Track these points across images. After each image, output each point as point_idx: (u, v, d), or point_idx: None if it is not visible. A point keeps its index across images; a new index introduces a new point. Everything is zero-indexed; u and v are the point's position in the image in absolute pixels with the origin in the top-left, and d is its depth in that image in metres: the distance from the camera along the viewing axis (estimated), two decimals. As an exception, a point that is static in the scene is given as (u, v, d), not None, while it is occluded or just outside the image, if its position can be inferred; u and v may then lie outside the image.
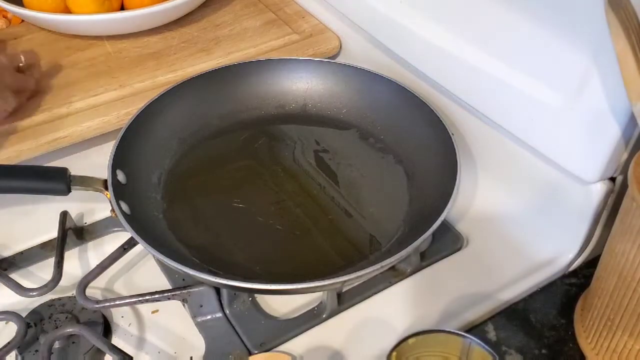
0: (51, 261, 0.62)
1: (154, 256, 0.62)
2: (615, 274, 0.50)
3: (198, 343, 0.58)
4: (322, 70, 0.77)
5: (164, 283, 0.63)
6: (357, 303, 0.60)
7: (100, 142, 0.75)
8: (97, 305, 0.58)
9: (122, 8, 0.89)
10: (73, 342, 0.58)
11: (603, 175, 0.57)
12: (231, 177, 0.70)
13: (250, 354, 0.56)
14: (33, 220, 0.68)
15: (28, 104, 0.75)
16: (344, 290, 0.61)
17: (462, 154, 0.65)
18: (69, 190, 0.61)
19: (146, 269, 0.65)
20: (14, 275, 0.63)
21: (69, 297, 0.61)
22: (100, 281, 0.63)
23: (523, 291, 0.61)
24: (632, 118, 0.52)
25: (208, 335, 0.58)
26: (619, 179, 0.58)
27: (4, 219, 0.68)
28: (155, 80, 0.80)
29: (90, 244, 0.68)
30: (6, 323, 0.60)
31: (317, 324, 0.59)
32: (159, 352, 0.58)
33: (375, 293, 0.61)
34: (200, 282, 0.58)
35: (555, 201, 0.63)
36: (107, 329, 0.60)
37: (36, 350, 0.57)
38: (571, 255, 0.63)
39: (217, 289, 0.59)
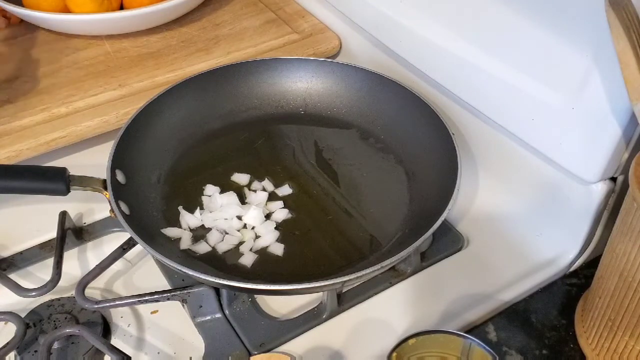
0: (50, 261, 0.62)
1: (153, 256, 0.62)
2: (616, 275, 0.50)
3: (198, 344, 0.58)
4: (322, 70, 0.77)
5: (163, 283, 0.63)
6: (357, 303, 0.60)
7: (99, 142, 0.75)
8: (96, 306, 0.58)
9: (121, 7, 0.89)
10: (72, 343, 0.57)
11: (604, 175, 0.57)
12: (230, 177, 0.70)
13: (250, 354, 0.56)
14: (32, 220, 0.68)
15: (27, 104, 0.75)
16: (344, 290, 0.61)
17: (462, 154, 0.65)
18: (68, 191, 0.61)
19: (145, 269, 0.65)
20: (13, 276, 0.63)
21: (68, 297, 0.61)
22: (100, 281, 0.63)
23: (524, 291, 0.61)
24: (633, 118, 0.52)
25: (208, 335, 0.58)
26: (620, 178, 0.58)
27: (3, 219, 0.68)
28: (154, 79, 0.80)
29: (89, 244, 0.68)
30: (5, 323, 0.60)
31: (317, 325, 0.59)
32: (158, 353, 0.58)
33: (376, 293, 0.61)
34: (200, 283, 0.57)
35: (556, 201, 0.63)
36: (106, 330, 0.60)
37: (35, 351, 0.57)
38: (572, 256, 0.63)
39: (217, 290, 0.59)
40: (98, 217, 0.69)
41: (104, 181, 0.61)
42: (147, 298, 0.58)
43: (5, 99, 0.76)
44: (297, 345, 0.57)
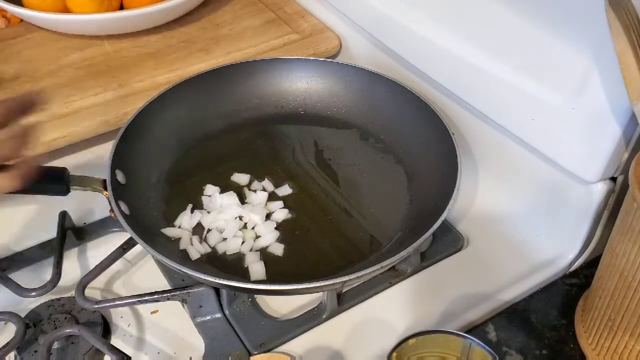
0: (50, 261, 0.62)
1: (153, 256, 0.62)
2: (616, 275, 0.50)
3: (197, 344, 0.58)
4: (322, 70, 0.77)
5: (163, 283, 0.63)
6: (357, 303, 0.60)
7: (99, 142, 0.75)
8: (96, 306, 0.58)
9: (121, 7, 0.89)
10: (72, 343, 0.57)
11: (604, 175, 0.57)
12: (230, 177, 0.70)
13: (250, 354, 0.56)
14: (32, 220, 0.68)
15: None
16: (344, 290, 0.61)
17: (462, 153, 0.64)
18: (68, 191, 0.61)
19: (145, 269, 0.65)
20: (13, 276, 0.63)
21: (68, 297, 0.61)
22: (100, 281, 0.63)
23: (524, 291, 0.61)
24: (633, 118, 0.52)
25: (208, 335, 0.58)
26: (620, 178, 0.58)
27: (3, 219, 0.68)
28: (154, 79, 0.80)
29: (89, 244, 0.68)
30: (5, 323, 0.60)
31: (317, 325, 0.59)
32: (158, 353, 0.58)
33: (376, 293, 0.61)
34: (200, 283, 0.57)
35: (556, 201, 0.63)
36: (106, 330, 0.60)
37: (35, 351, 0.56)
38: (572, 256, 0.63)
39: (217, 290, 0.59)
40: (98, 217, 0.69)
41: (104, 181, 0.61)
42: (147, 298, 0.58)
43: (5, 99, 0.76)
44: (297, 345, 0.57)
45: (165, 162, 0.71)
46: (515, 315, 0.59)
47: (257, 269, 0.60)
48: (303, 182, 0.70)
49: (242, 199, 0.67)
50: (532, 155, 0.64)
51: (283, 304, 0.61)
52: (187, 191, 0.68)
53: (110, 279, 0.64)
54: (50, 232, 0.65)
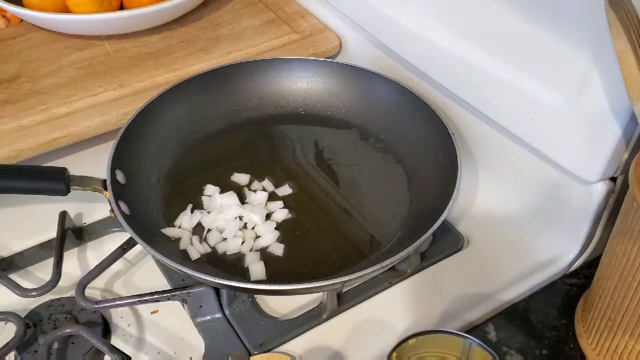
0: (50, 261, 0.62)
1: (153, 256, 0.62)
2: (616, 274, 0.50)
3: (197, 344, 0.58)
4: (322, 70, 0.77)
5: (163, 283, 0.63)
6: (357, 303, 0.60)
7: (99, 142, 0.75)
8: (96, 306, 0.58)
9: (121, 7, 0.89)
10: (72, 343, 0.57)
11: (604, 175, 0.57)
12: (230, 177, 0.70)
13: (250, 354, 0.56)
14: (32, 220, 0.68)
15: (27, 104, 0.75)
16: (344, 290, 0.61)
17: (462, 154, 0.65)
18: (68, 191, 0.61)
19: (145, 269, 0.65)
20: (13, 276, 0.63)
21: (68, 297, 0.61)
22: (100, 281, 0.63)
23: (524, 291, 0.61)
24: (633, 118, 0.52)
25: (208, 335, 0.58)
26: (620, 178, 0.58)
27: (3, 219, 0.68)
28: (154, 79, 0.79)
29: (89, 244, 0.68)
30: (5, 323, 0.60)
31: (317, 325, 0.59)
32: (158, 353, 0.58)
33: (376, 293, 0.61)
34: (200, 283, 0.57)
35: (556, 201, 0.63)
36: (106, 330, 0.60)
37: (35, 351, 0.56)
38: (572, 256, 0.63)
39: (217, 290, 0.59)
40: (98, 217, 0.69)
41: (104, 181, 0.61)
42: (147, 298, 0.58)
43: (5, 99, 0.76)
44: (297, 345, 0.57)
45: (165, 162, 0.71)
46: (515, 315, 0.59)
47: (257, 269, 0.60)
48: (303, 182, 0.70)
49: (242, 199, 0.67)
50: (532, 155, 0.64)
51: (283, 304, 0.61)
52: (187, 191, 0.68)
53: (110, 279, 0.64)
54: (50, 232, 0.65)
